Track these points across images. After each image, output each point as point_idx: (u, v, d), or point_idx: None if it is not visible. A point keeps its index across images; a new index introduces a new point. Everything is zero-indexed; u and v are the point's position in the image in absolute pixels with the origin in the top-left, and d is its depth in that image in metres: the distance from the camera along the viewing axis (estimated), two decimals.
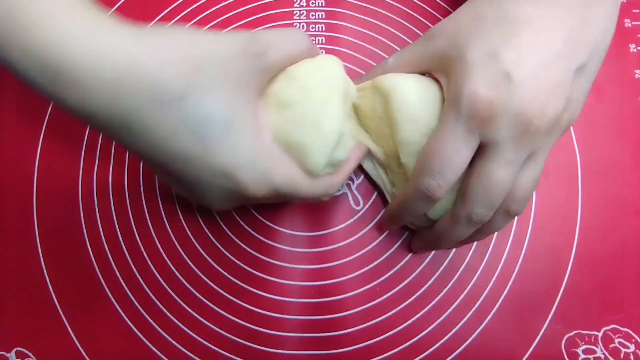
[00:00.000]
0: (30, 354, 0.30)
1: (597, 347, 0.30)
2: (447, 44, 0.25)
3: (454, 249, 0.32)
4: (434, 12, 0.36)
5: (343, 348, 0.30)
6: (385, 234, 0.32)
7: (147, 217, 0.33)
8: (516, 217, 0.32)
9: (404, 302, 0.31)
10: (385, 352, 0.30)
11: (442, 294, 0.31)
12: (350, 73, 0.35)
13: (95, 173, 0.33)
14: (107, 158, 0.34)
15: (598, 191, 0.33)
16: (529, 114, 0.22)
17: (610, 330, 0.31)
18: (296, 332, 0.31)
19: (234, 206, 0.26)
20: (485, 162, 0.23)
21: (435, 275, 0.32)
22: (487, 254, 0.32)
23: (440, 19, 0.36)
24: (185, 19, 0.36)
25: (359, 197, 0.33)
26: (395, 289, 0.31)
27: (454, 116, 0.23)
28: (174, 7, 0.36)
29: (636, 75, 0.35)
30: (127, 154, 0.34)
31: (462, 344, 0.30)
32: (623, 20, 0.36)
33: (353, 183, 0.33)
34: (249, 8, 0.36)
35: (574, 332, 0.31)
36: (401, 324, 0.31)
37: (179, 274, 0.32)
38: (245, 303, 0.31)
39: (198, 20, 0.36)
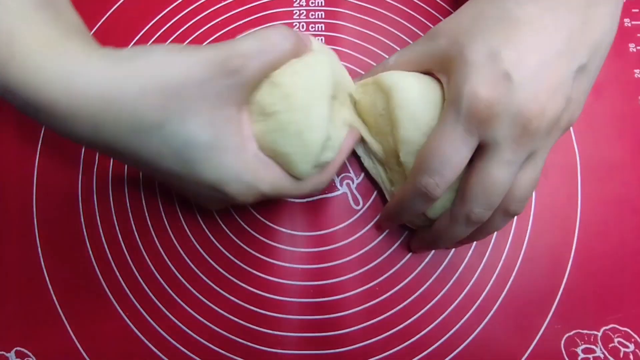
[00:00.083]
0: (30, 353, 0.30)
1: (596, 346, 0.30)
2: (448, 44, 0.25)
3: (453, 249, 0.32)
4: (434, 12, 0.36)
5: (343, 348, 0.30)
6: (384, 233, 0.32)
7: (147, 217, 0.33)
8: (516, 217, 0.32)
9: (404, 301, 0.31)
10: (385, 352, 0.30)
11: (441, 294, 0.31)
12: (350, 73, 0.35)
13: (95, 173, 0.33)
14: (106, 158, 0.34)
15: (598, 191, 0.33)
16: (529, 115, 0.22)
17: (610, 329, 0.31)
18: (296, 332, 0.31)
19: (229, 206, 0.27)
20: (484, 162, 0.23)
21: (435, 275, 0.32)
22: (487, 253, 0.32)
23: (441, 19, 0.36)
24: (185, 19, 0.36)
25: (358, 197, 0.33)
26: (395, 289, 0.31)
27: (454, 116, 0.23)
28: (174, 6, 0.36)
29: (636, 75, 0.35)
30: None
31: (462, 344, 0.30)
32: (622, 20, 0.36)
33: (353, 183, 0.33)
34: (248, 8, 0.36)
35: (574, 331, 0.31)
36: (401, 324, 0.31)
37: (179, 273, 0.32)
38: (245, 303, 0.31)
39: (198, 20, 0.36)
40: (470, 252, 0.32)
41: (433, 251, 0.32)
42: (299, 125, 0.24)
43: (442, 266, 0.32)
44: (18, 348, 0.31)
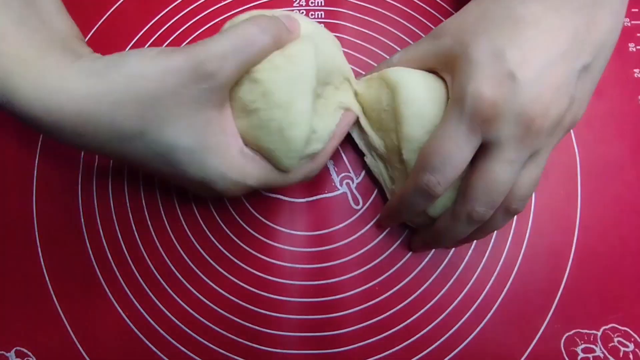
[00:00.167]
0: (29, 353, 0.30)
1: (596, 346, 0.31)
2: (452, 42, 0.25)
3: (453, 249, 0.32)
4: (434, 12, 0.36)
5: (342, 347, 0.30)
6: (384, 233, 0.32)
7: (147, 217, 0.33)
8: (516, 216, 0.32)
9: (404, 301, 0.31)
10: (385, 351, 0.30)
11: (441, 293, 0.31)
12: None
13: (95, 173, 0.33)
14: (106, 158, 0.34)
15: (597, 190, 0.33)
16: (532, 114, 0.22)
17: (610, 329, 0.31)
18: (296, 332, 0.31)
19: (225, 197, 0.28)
20: (487, 161, 0.23)
21: (435, 275, 0.32)
22: (487, 253, 0.32)
23: (441, 19, 0.36)
24: (185, 19, 0.36)
25: (358, 196, 0.33)
26: (395, 288, 0.31)
27: (457, 114, 0.23)
28: (174, 6, 0.36)
29: (635, 75, 0.35)
30: None
31: (462, 343, 0.31)
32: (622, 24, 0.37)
33: (353, 183, 0.33)
34: (248, 8, 0.36)
35: (573, 331, 0.31)
36: (401, 323, 0.31)
37: (179, 273, 0.32)
38: (245, 303, 0.31)
39: (197, 20, 0.36)
40: (470, 251, 0.32)
41: (433, 251, 0.32)
42: (279, 123, 0.24)
43: (442, 266, 0.32)
44: (18, 348, 0.31)
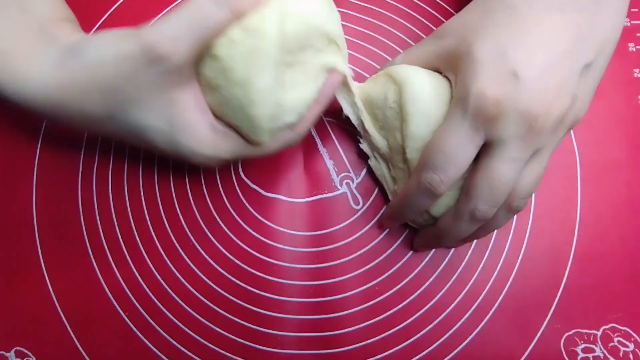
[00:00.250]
0: (29, 353, 0.30)
1: (596, 346, 0.31)
2: (456, 42, 0.25)
3: (453, 249, 0.32)
4: (434, 12, 0.36)
5: (343, 347, 0.30)
6: (384, 233, 0.32)
7: (147, 217, 0.33)
8: (516, 216, 0.32)
9: (404, 301, 0.31)
10: (385, 351, 0.30)
11: (441, 293, 0.31)
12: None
13: (95, 173, 0.33)
14: (106, 157, 0.34)
15: (598, 191, 0.33)
16: (535, 113, 0.22)
17: (610, 329, 0.31)
18: (296, 332, 0.31)
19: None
20: (490, 160, 0.24)
21: (435, 275, 0.32)
22: (487, 253, 0.32)
23: (441, 19, 0.36)
24: None
25: (358, 196, 0.33)
26: (395, 288, 0.31)
27: (461, 113, 0.23)
28: (174, 6, 0.36)
29: (635, 75, 0.35)
30: (127, 153, 0.34)
31: (462, 343, 0.31)
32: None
33: (353, 183, 0.33)
34: None
35: (573, 331, 0.31)
36: (401, 323, 0.31)
37: (179, 273, 0.32)
38: (245, 303, 0.31)
39: None
40: (470, 251, 0.32)
41: (433, 251, 0.32)
42: (239, 101, 0.23)
43: (442, 266, 0.32)
44: (18, 348, 0.31)
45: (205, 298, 0.31)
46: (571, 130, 0.34)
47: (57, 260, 0.32)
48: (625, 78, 0.35)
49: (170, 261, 0.32)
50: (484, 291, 0.31)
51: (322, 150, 0.34)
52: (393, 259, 0.32)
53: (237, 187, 0.33)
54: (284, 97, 0.25)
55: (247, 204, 0.33)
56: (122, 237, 0.32)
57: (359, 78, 0.35)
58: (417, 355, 0.30)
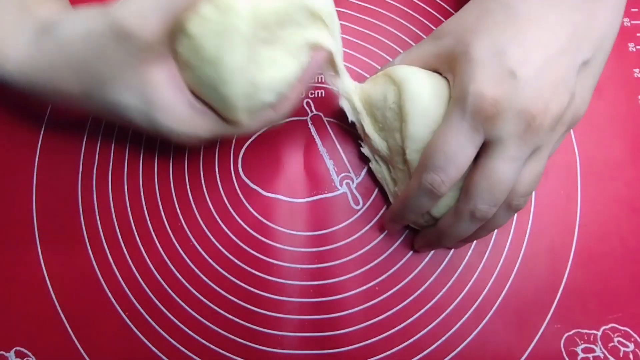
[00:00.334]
0: (29, 353, 0.30)
1: (596, 346, 0.30)
2: (453, 42, 0.25)
3: (453, 249, 0.32)
4: (434, 12, 0.36)
5: (342, 347, 0.30)
6: (384, 233, 0.32)
7: (147, 217, 0.33)
8: (516, 216, 0.32)
9: (404, 301, 0.31)
10: (385, 352, 0.30)
11: (441, 293, 0.31)
12: (350, 73, 0.35)
13: (95, 173, 0.33)
14: (106, 157, 0.34)
15: (598, 191, 0.33)
16: (533, 111, 0.22)
17: (610, 329, 0.31)
18: (296, 332, 0.31)
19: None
20: (489, 159, 0.24)
21: (435, 275, 0.32)
22: (487, 253, 0.32)
23: (441, 19, 0.36)
24: None
25: (358, 196, 0.33)
26: (395, 289, 0.31)
27: (460, 113, 0.23)
28: None
29: (635, 75, 0.35)
30: (127, 153, 0.34)
31: (462, 343, 0.30)
32: (622, 19, 0.36)
33: (353, 183, 0.33)
34: None
35: (573, 331, 0.31)
36: (400, 323, 0.31)
37: (179, 273, 0.32)
38: (245, 303, 0.31)
39: None
40: (470, 252, 0.32)
41: (433, 251, 0.32)
42: (212, 80, 0.23)
43: (442, 266, 0.32)
44: (18, 348, 0.31)
45: (205, 298, 0.31)
46: (571, 130, 0.34)
47: (57, 260, 0.32)
48: (625, 78, 0.35)
49: (170, 261, 0.32)
50: (484, 291, 0.31)
51: (322, 150, 0.34)
52: (393, 259, 0.32)
53: (237, 187, 0.33)
54: (260, 76, 0.24)
55: (247, 204, 0.33)
56: (122, 237, 0.32)
57: (359, 78, 0.35)
58: (417, 355, 0.30)
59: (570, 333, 0.31)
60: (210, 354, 0.30)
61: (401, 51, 0.35)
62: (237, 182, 0.33)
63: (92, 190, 0.33)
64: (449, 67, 0.26)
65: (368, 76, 0.34)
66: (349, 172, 0.33)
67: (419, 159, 0.26)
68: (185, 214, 0.33)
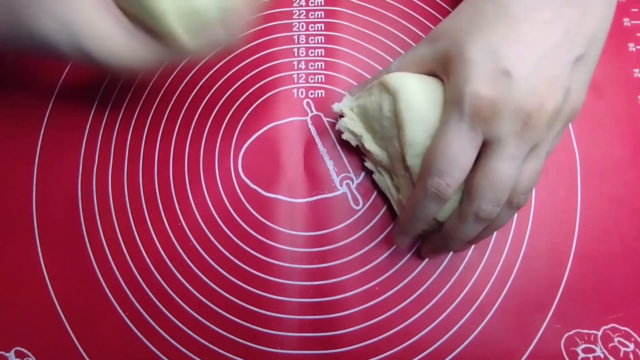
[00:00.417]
0: (29, 353, 0.30)
1: (596, 346, 0.30)
2: (448, 44, 0.25)
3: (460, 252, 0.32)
4: (434, 12, 0.36)
5: (342, 348, 0.30)
6: (384, 233, 0.32)
7: (147, 217, 0.33)
8: (516, 216, 0.32)
9: (404, 301, 0.31)
10: (385, 352, 0.30)
11: (441, 293, 0.31)
12: (350, 73, 0.35)
13: (95, 173, 0.33)
14: (106, 157, 0.34)
15: (597, 190, 0.33)
16: (529, 109, 0.22)
17: (610, 329, 0.31)
18: (296, 332, 0.31)
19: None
20: (489, 159, 0.24)
21: (435, 275, 0.32)
22: (487, 253, 0.32)
23: (441, 19, 0.36)
24: None
25: (358, 197, 0.33)
26: (395, 289, 0.31)
27: (457, 115, 0.23)
28: None
29: (635, 75, 0.35)
30: (127, 153, 0.34)
31: (462, 343, 0.30)
32: (622, 19, 0.36)
33: (353, 183, 0.33)
34: None
35: (574, 331, 0.31)
36: (401, 324, 0.31)
37: (179, 273, 0.32)
38: (245, 303, 0.31)
39: None
40: (470, 252, 0.32)
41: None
42: None
43: (442, 266, 0.32)
44: (18, 348, 0.30)
45: (205, 298, 0.31)
46: (571, 131, 0.34)
47: (57, 260, 0.32)
48: (625, 78, 0.35)
49: (170, 261, 0.32)
50: (484, 291, 0.31)
51: (322, 150, 0.34)
52: (393, 259, 0.32)
53: (237, 187, 0.33)
54: None
55: (247, 204, 0.33)
56: (122, 237, 0.32)
57: (359, 78, 0.35)
58: (417, 355, 0.30)
59: (571, 333, 0.31)
60: (210, 354, 0.30)
61: (401, 51, 0.35)
62: (237, 182, 0.33)
63: (92, 190, 0.33)
64: (444, 69, 0.26)
65: (369, 76, 0.34)
66: (349, 172, 0.33)
67: (419, 164, 0.26)
68: (185, 213, 0.33)
